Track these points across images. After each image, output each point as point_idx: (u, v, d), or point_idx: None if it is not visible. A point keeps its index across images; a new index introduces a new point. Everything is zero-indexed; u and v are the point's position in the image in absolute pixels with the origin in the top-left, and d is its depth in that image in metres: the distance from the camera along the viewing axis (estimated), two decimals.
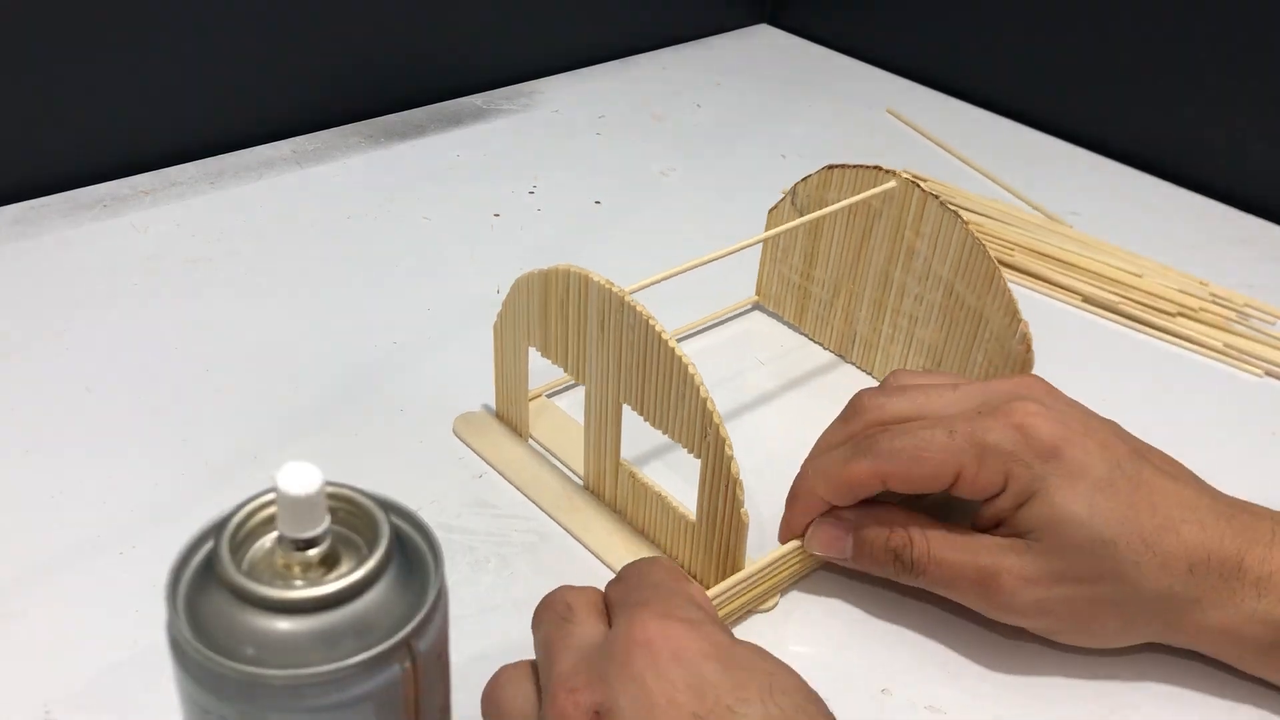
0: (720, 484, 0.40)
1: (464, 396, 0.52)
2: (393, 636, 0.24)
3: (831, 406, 0.44)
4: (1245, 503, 0.40)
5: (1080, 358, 0.58)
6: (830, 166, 0.52)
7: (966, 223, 0.48)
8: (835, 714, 0.31)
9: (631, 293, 0.41)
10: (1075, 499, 0.38)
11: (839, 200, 0.51)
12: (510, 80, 0.85)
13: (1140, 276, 0.63)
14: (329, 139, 0.75)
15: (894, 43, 0.91)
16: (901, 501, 0.41)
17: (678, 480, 0.46)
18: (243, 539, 0.26)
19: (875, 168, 0.50)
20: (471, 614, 0.42)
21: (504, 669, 0.35)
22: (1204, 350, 0.59)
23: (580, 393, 0.46)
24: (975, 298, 0.48)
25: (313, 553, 0.25)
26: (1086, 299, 0.62)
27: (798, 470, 0.43)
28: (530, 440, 0.50)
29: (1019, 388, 0.40)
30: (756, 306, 0.60)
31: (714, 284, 0.60)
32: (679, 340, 0.57)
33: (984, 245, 0.47)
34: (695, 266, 0.45)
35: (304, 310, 0.58)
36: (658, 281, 0.43)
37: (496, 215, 0.68)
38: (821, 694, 0.39)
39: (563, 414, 0.51)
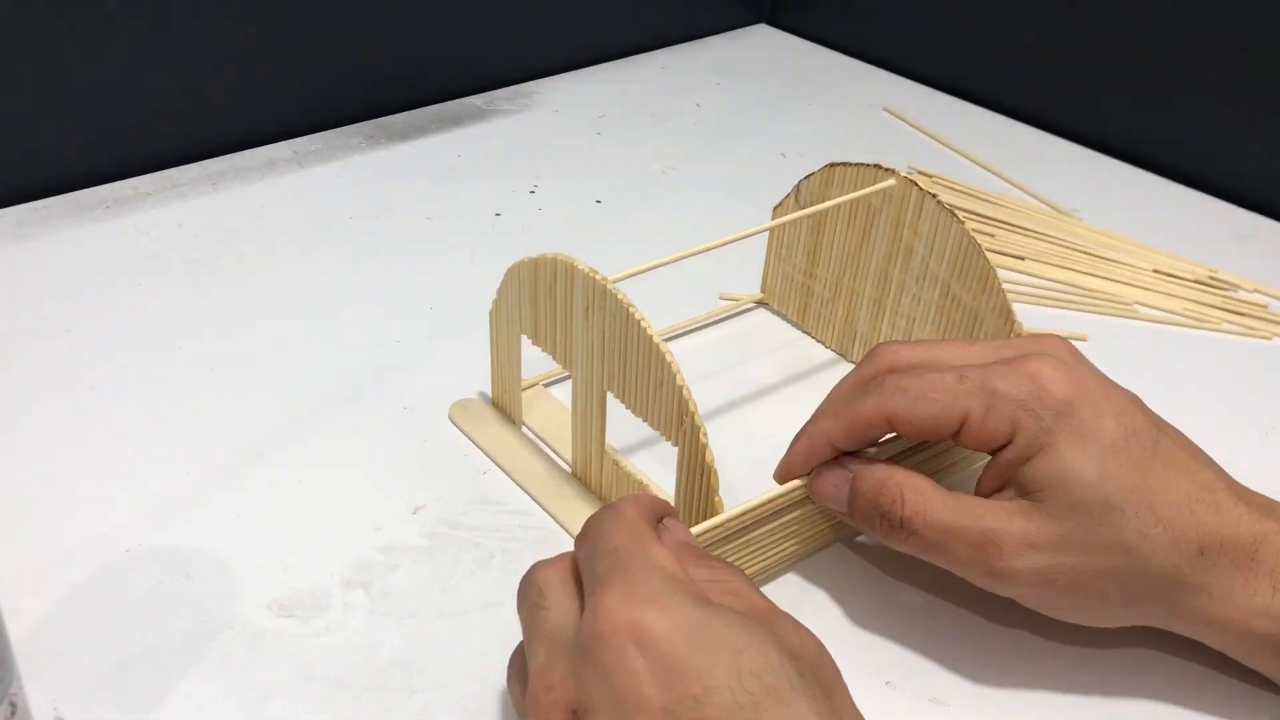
0: (696, 471, 0.40)
1: (466, 394, 0.53)
2: None
3: None
4: (1264, 496, 0.38)
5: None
6: (832, 165, 0.52)
7: (962, 222, 0.48)
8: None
9: (616, 281, 0.41)
10: (1085, 458, 0.36)
11: (840, 198, 0.51)
12: (510, 81, 0.85)
13: (1152, 271, 0.64)
14: (330, 140, 0.75)
15: (892, 42, 0.91)
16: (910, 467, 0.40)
17: (661, 470, 0.47)
18: None
19: (875, 166, 0.50)
20: (478, 609, 0.42)
21: (511, 659, 0.35)
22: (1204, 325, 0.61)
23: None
24: (971, 298, 0.49)
25: None
26: (1088, 290, 0.63)
27: None
28: (524, 427, 0.51)
29: (1040, 344, 0.39)
30: (761, 305, 0.61)
31: (720, 282, 0.61)
32: (682, 334, 0.58)
33: (979, 245, 0.47)
34: (684, 257, 0.45)
35: (306, 310, 0.58)
36: (644, 271, 0.44)
37: (498, 215, 0.68)
38: None
39: (556, 402, 0.52)
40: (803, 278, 0.57)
